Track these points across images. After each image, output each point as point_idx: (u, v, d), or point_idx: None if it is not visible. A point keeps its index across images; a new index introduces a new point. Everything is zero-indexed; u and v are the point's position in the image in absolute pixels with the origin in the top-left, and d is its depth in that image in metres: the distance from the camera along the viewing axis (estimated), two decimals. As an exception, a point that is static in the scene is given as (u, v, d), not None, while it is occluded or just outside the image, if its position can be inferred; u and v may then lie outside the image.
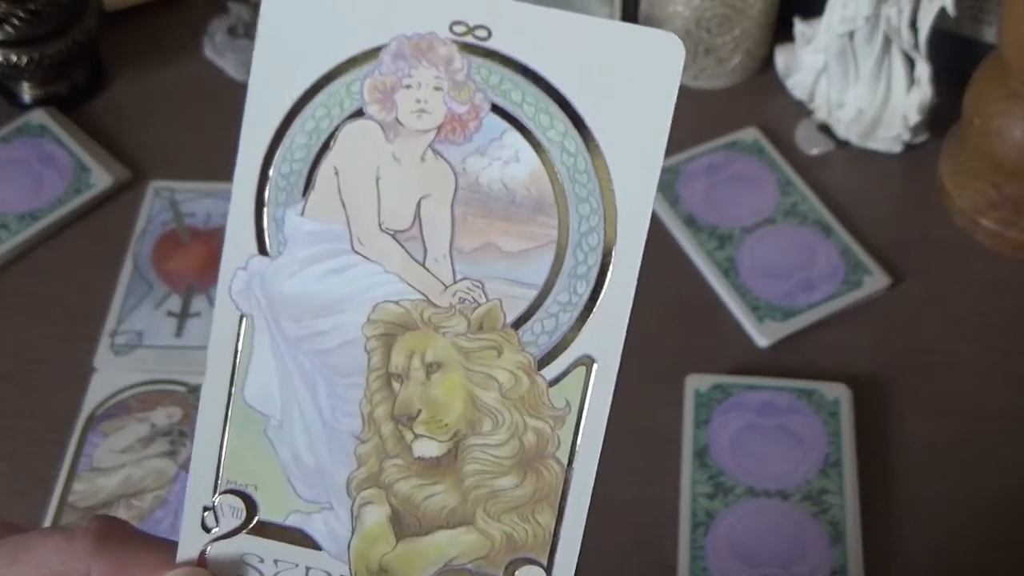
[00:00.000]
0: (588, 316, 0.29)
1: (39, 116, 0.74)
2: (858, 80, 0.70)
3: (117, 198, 0.71)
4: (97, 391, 0.62)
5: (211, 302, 0.65)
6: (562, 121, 0.29)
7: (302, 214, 0.30)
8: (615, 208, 0.29)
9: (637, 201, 0.28)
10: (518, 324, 0.29)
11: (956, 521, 0.57)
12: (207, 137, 0.74)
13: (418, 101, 0.29)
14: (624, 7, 0.77)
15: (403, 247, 0.30)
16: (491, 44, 0.28)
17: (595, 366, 0.29)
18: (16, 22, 0.71)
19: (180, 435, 0.60)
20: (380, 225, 0.30)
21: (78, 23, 0.73)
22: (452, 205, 0.29)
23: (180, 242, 0.68)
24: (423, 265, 0.30)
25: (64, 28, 0.72)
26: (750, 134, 0.72)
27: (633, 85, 0.28)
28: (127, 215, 0.70)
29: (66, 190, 0.70)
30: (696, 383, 0.61)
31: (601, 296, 0.29)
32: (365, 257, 0.30)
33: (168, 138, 0.74)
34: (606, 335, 0.29)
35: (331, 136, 0.30)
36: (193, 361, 0.63)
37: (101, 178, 0.71)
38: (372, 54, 0.29)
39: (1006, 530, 0.57)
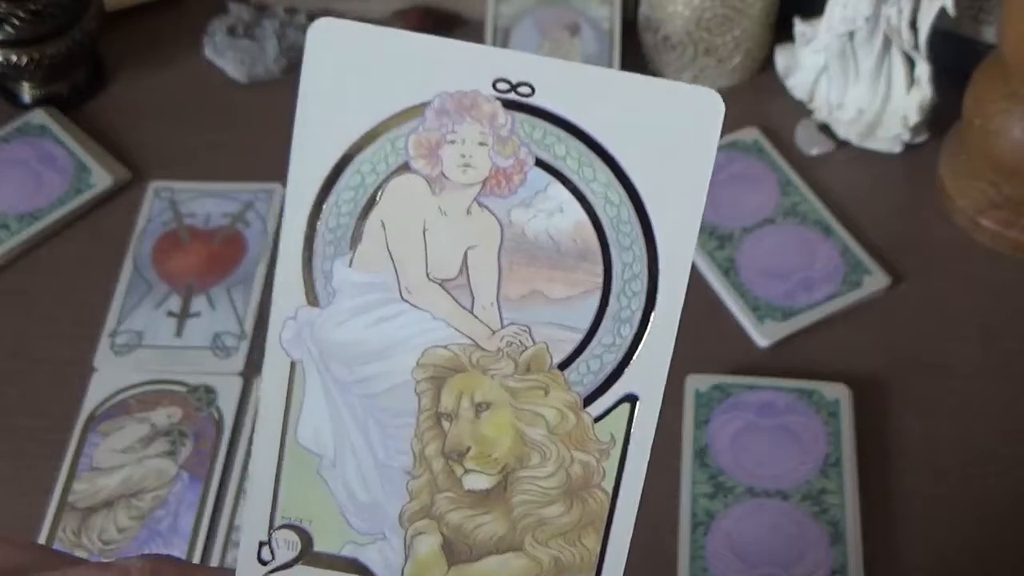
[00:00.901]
0: (632, 357, 0.31)
1: (39, 116, 0.74)
2: (858, 80, 0.70)
3: (117, 198, 0.71)
4: (97, 391, 0.62)
5: (211, 302, 0.65)
6: (605, 173, 0.30)
7: (350, 266, 0.31)
8: (657, 255, 0.30)
9: (679, 248, 0.30)
10: (564, 365, 0.31)
11: (956, 521, 0.57)
12: (207, 137, 0.74)
13: (463, 156, 0.30)
14: (624, 8, 0.77)
15: (451, 295, 0.31)
16: (534, 101, 0.30)
17: (639, 403, 0.31)
18: (16, 22, 0.71)
19: (180, 435, 0.60)
20: (428, 275, 0.31)
21: (78, 23, 0.73)
22: (499, 255, 0.30)
23: (180, 242, 0.68)
24: (471, 312, 0.31)
25: (64, 28, 0.72)
26: (750, 134, 0.72)
27: (674, 138, 0.29)
28: (127, 215, 0.70)
29: (66, 190, 0.70)
30: (696, 383, 0.61)
31: (644, 338, 0.30)
32: (414, 305, 0.31)
33: (168, 138, 0.74)
34: (649, 375, 0.31)
35: (377, 190, 0.31)
36: (193, 361, 0.63)
37: (101, 178, 0.71)
38: (416, 111, 0.30)
39: (1006, 530, 0.57)
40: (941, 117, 0.70)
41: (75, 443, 0.60)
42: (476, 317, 0.31)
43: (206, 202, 0.70)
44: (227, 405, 0.61)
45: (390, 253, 0.31)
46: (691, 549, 0.55)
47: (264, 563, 0.32)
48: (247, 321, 0.64)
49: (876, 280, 0.65)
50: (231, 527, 0.57)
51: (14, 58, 0.72)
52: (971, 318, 0.65)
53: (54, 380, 0.63)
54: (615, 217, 0.30)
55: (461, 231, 0.30)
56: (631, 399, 0.31)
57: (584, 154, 0.30)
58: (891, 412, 0.61)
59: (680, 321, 0.31)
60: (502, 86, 0.29)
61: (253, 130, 0.74)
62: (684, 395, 0.60)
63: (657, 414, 0.31)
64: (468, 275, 0.31)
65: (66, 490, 0.58)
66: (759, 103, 0.75)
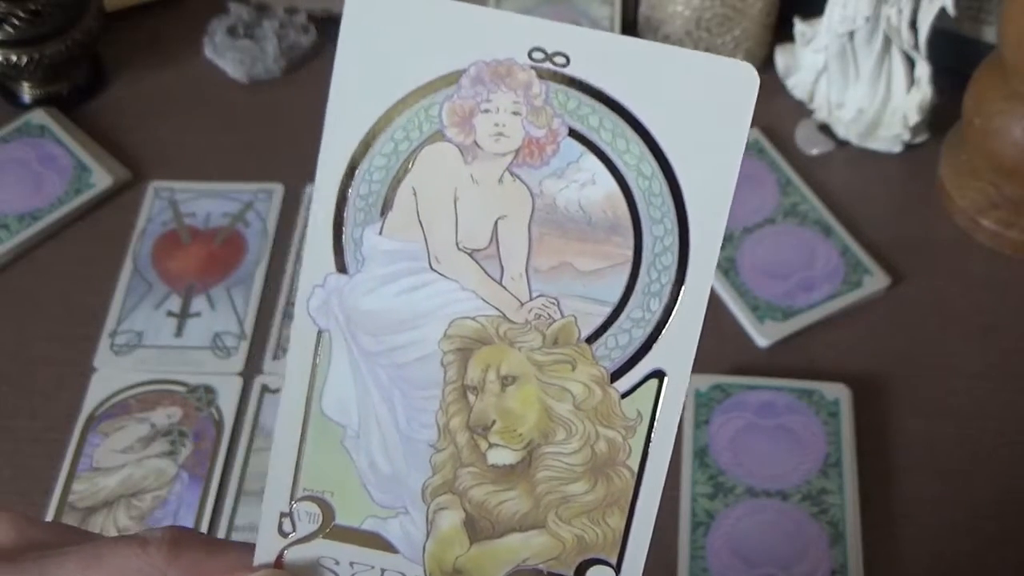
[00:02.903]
0: (660, 332, 0.30)
1: (39, 116, 0.74)
2: (858, 80, 0.70)
3: (117, 198, 0.71)
4: (97, 391, 0.62)
5: (211, 302, 0.65)
6: (638, 145, 0.29)
7: (380, 233, 0.31)
8: (688, 229, 0.30)
9: (710, 223, 0.30)
10: (592, 339, 0.30)
11: (956, 521, 0.57)
12: (207, 137, 0.74)
13: (496, 125, 0.30)
14: (624, 7, 0.77)
15: (480, 265, 0.31)
16: (569, 71, 0.29)
17: (666, 379, 0.30)
18: (16, 22, 0.71)
19: (180, 435, 0.60)
20: (457, 244, 0.31)
21: (78, 23, 0.73)
22: (529, 226, 0.30)
23: (180, 242, 0.68)
24: (500, 283, 0.30)
25: (64, 28, 0.72)
26: (750, 134, 0.72)
27: (708, 111, 0.29)
28: (127, 215, 0.70)
29: (66, 190, 0.70)
30: (696, 383, 0.61)
31: (673, 313, 0.30)
32: (442, 275, 0.31)
33: (168, 138, 0.74)
34: (677, 350, 0.30)
35: (410, 158, 0.30)
36: (193, 361, 0.63)
37: (101, 178, 0.71)
38: (451, 78, 0.30)
39: (1006, 530, 0.57)
40: (941, 117, 0.70)
41: (75, 443, 0.60)
42: (505, 288, 0.30)
43: (206, 202, 0.70)
44: (227, 405, 0.61)
45: (420, 221, 0.31)
46: (691, 549, 0.55)
47: (285, 535, 0.32)
48: (247, 321, 0.64)
49: (876, 280, 0.65)
50: (231, 527, 0.57)
51: (14, 58, 0.72)
52: (971, 318, 0.65)
53: (54, 380, 0.63)
54: (647, 190, 0.30)
55: (492, 200, 0.30)
56: (659, 375, 0.30)
57: (617, 125, 0.29)
58: (891, 412, 0.61)
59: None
60: (537, 55, 0.29)
61: (253, 130, 0.74)
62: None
63: (684, 391, 0.30)
64: (498, 245, 0.30)
65: (66, 490, 0.58)
66: (759, 103, 0.74)
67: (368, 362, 0.31)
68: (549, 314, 0.30)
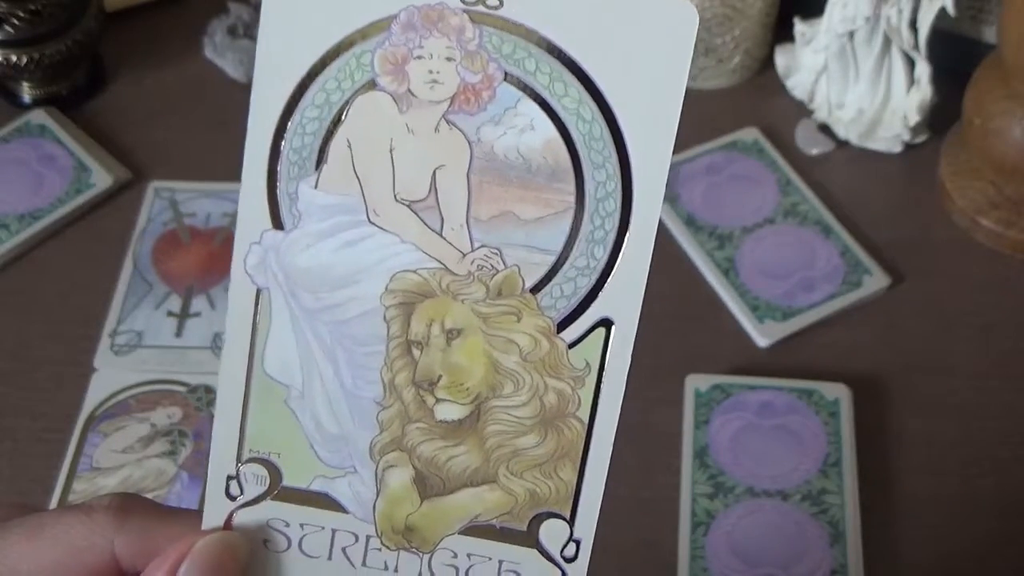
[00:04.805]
0: (606, 280, 0.30)
1: (39, 116, 0.74)
2: (858, 80, 0.70)
3: (117, 198, 0.71)
4: (97, 391, 0.62)
5: (211, 302, 0.65)
6: (576, 88, 0.29)
7: (316, 187, 0.30)
8: (631, 173, 0.29)
9: (653, 166, 0.29)
10: (537, 289, 0.30)
11: (956, 521, 0.57)
12: (207, 137, 0.74)
13: (430, 72, 0.29)
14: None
15: (419, 217, 0.30)
16: (503, 13, 0.28)
17: (614, 328, 0.30)
18: (16, 22, 0.71)
19: (180, 435, 0.60)
20: (395, 196, 0.30)
21: (78, 23, 0.73)
22: (468, 174, 0.29)
23: (180, 242, 0.68)
24: (440, 234, 0.30)
25: (64, 28, 0.72)
26: (750, 134, 0.72)
27: (647, 52, 0.28)
28: (127, 215, 0.70)
29: (66, 190, 0.70)
30: (696, 383, 0.61)
31: (619, 260, 0.29)
32: (381, 228, 0.30)
33: (168, 138, 0.74)
34: (624, 298, 0.30)
35: (343, 108, 0.30)
36: (193, 361, 0.63)
37: (101, 178, 0.71)
38: (382, 24, 0.29)
39: (1006, 529, 0.57)
40: (941, 117, 0.70)
41: (75, 443, 0.60)
42: (445, 239, 0.30)
43: (206, 202, 0.70)
44: (227, 405, 0.61)
45: (357, 174, 0.30)
46: (691, 549, 0.55)
47: (232, 498, 0.32)
48: (247, 321, 0.64)
49: (876, 280, 0.65)
50: (231, 527, 0.57)
51: (14, 58, 0.72)
52: (971, 318, 0.65)
53: (54, 380, 0.63)
54: (587, 134, 0.29)
55: (429, 150, 0.29)
56: (606, 324, 0.30)
57: (555, 69, 0.29)
58: (891, 412, 0.61)
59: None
60: None
61: (253, 130, 0.74)
62: (684, 395, 0.60)
63: (633, 340, 0.30)
64: (437, 196, 0.30)
65: (66, 490, 0.58)
66: (759, 103, 0.75)
67: (309, 320, 0.31)
68: (492, 265, 0.30)
